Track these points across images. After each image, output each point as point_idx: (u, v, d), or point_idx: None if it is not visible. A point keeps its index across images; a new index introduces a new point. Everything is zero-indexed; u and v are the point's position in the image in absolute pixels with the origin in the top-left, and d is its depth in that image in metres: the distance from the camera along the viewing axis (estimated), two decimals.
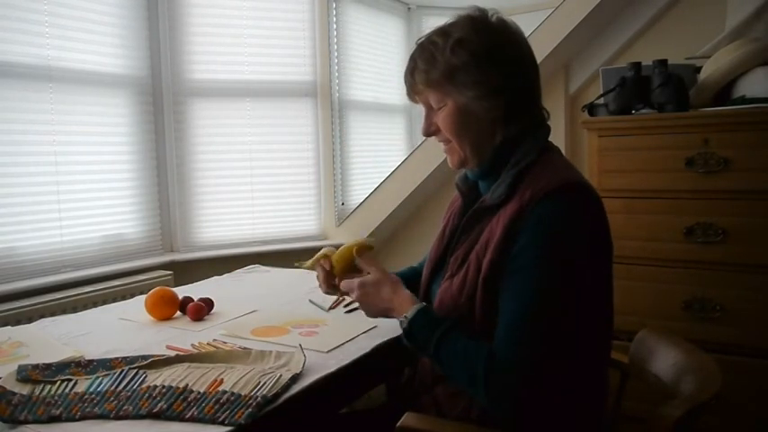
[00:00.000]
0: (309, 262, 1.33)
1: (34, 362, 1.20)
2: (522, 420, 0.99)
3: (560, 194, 1.02)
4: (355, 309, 1.65)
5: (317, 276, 1.32)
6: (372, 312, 1.18)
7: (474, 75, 1.07)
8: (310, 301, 1.73)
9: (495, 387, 0.98)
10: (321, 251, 1.31)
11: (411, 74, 1.15)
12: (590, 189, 1.06)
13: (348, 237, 3.31)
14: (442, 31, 1.12)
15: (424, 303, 1.12)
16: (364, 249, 1.25)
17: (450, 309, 1.09)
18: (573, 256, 1.00)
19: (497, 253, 1.03)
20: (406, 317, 1.09)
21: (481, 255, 1.06)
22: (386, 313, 1.16)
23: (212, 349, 1.30)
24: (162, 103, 2.88)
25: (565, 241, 1.00)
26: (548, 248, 1.00)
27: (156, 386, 1.09)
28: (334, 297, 1.75)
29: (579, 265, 1.01)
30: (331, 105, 3.33)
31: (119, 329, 1.51)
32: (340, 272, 1.27)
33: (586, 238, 1.03)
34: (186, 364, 1.19)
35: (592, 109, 2.17)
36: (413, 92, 1.17)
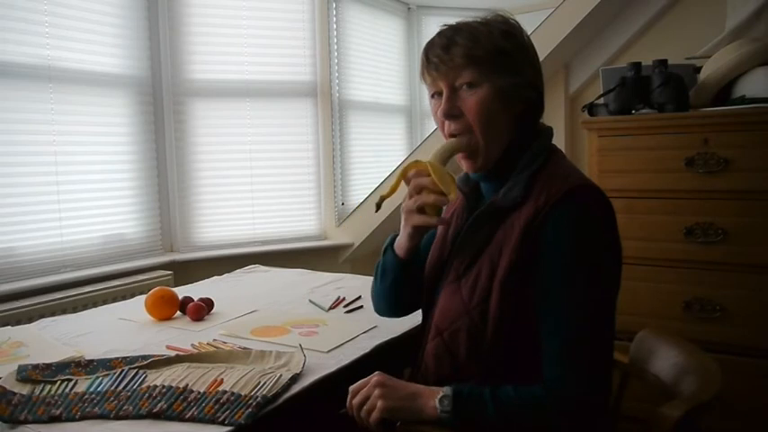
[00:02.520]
0: (392, 185, 1.14)
1: (34, 362, 1.20)
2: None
3: (578, 198, 1.02)
4: (356, 309, 1.65)
5: (415, 190, 1.11)
6: (394, 397, 1.02)
7: (517, 62, 1.08)
8: (310, 301, 1.73)
9: (563, 415, 0.97)
10: (401, 169, 1.13)
11: (445, 49, 1.07)
12: (602, 191, 1.06)
13: (348, 237, 3.31)
14: (481, 20, 1.10)
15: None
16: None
17: (459, 313, 1.07)
18: (599, 263, 1.01)
19: (516, 255, 1.02)
20: (446, 393, 1.00)
21: (495, 257, 1.04)
22: (411, 400, 1.02)
23: (212, 349, 1.30)
24: (162, 103, 2.88)
25: (591, 250, 1.01)
26: (577, 260, 1.00)
27: (156, 386, 1.09)
28: (335, 297, 1.75)
29: (604, 270, 1.02)
30: (331, 105, 3.33)
31: (119, 329, 1.51)
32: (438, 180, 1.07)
33: (608, 242, 1.03)
34: (186, 364, 1.19)
35: (592, 109, 2.17)
36: (444, 66, 1.07)
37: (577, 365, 0.98)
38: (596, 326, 1.00)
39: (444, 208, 1.11)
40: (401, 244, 1.19)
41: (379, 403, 1.01)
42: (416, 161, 1.11)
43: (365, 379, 1.06)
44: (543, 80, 1.15)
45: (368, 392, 1.04)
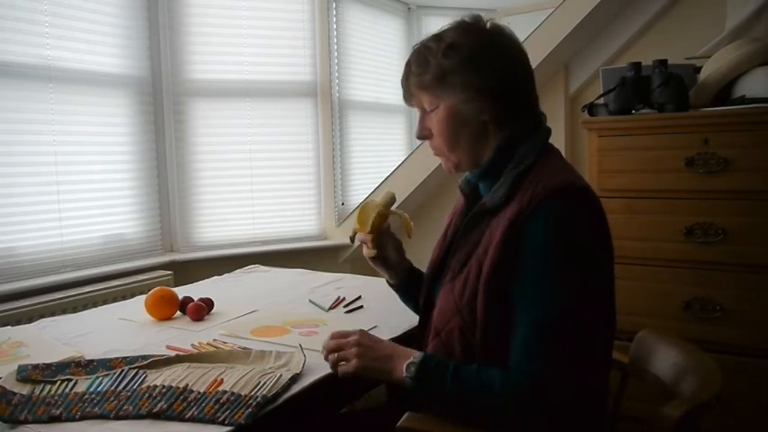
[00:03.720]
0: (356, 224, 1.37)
1: (34, 362, 1.20)
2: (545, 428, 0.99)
3: (562, 196, 1.02)
4: (356, 309, 1.65)
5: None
6: (369, 357, 1.09)
7: (462, 77, 1.09)
8: (310, 301, 1.73)
9: (516, 403, 0.97)
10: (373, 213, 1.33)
11: (406, 78, 1.17)
12: (590, 190, 1.06)
13: (348, 237, 3.30)
14: (436, 36, 1.14)
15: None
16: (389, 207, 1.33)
17: (451, 312, 1.08)
18: (582, 259, 1.01)
19: (498, 255, 1.02)
20: (414, 359, 1.05)
21: (482, 258, 1.06)
22: (385, 361, 1.08)
23: (212, 349, 1.30)
24: (162, 103, 2.88)
25: (573, 246, 1.00)
26: (557, 255, 1.00)
27: (156, 386, 1.09)
28: (335, 297, 1.76)
29: (589, 267, 1.02)
30: (331, 105, 3.33)
31: (119, 329, 1.51)
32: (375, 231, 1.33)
33: (593, 240, 1.03)
34: (186, 364, 1.19)
35: (592, 109, 2.17)
36: (407, 94, 1.19)
37: (539, 355, 0.98)
38: (567, 320, 0.98)
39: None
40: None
41: (354, 362, 1.08)
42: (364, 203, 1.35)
43: (348, 332, 1.14)
44: (520, 75, 1.13)
45: (346, 347, 1.11)
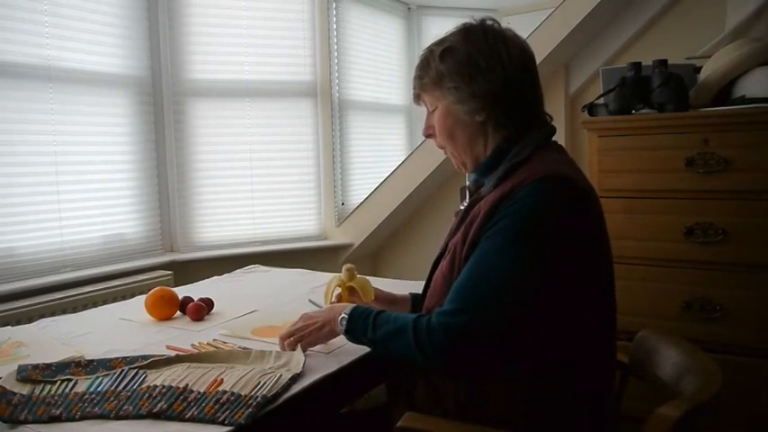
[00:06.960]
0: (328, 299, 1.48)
1: (34, 362, 1.20)
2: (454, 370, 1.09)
3: (538, 181, 1.05)
4: None
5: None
6: (314, 329, 1.23)
7: (455, 81, 1.14)
8: (310, 300, 1.73)
9: (425, 344, 1.05)
10: (333, 285, 1.46)
11: (414, 79, 1.24)
12: (571, 180, 1.07)
13: (348, 237, 3.31)
14: (440, 40, 1.20)
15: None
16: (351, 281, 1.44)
17: (441, 288, 1.14)
18: (531, 236, 1.04)
19: (475, 232, 1.08)
20: (345, 313, 1.18)
21: (466, 236, 1.11)
22: (326, 326, 1.22)
23: (212, 349, 1.30)
24: (162, 103, 2.88)
25: (532, 224, 1.04)
26: (514, 227, 1.04)
27: (156, 386, 1.09)
28: (335, 297, 1.76)
29: (542, 249, 1.03)
30: (331, 105, 3.33)
31: (119, 329, 1.51)
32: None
33: (553, 223, 1.04)
34: (186, 364, 1.19)
35: (592, 109, 2.17)
36: (415, 94, 1.26)
37: (455, 299, 1.05)
38: (496, 282, 1.03)
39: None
40: None
41: (303, 342, 1.23)
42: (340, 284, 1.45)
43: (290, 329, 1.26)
44: (518, 77, 1.15)
45: (297, 332, 1.24)
